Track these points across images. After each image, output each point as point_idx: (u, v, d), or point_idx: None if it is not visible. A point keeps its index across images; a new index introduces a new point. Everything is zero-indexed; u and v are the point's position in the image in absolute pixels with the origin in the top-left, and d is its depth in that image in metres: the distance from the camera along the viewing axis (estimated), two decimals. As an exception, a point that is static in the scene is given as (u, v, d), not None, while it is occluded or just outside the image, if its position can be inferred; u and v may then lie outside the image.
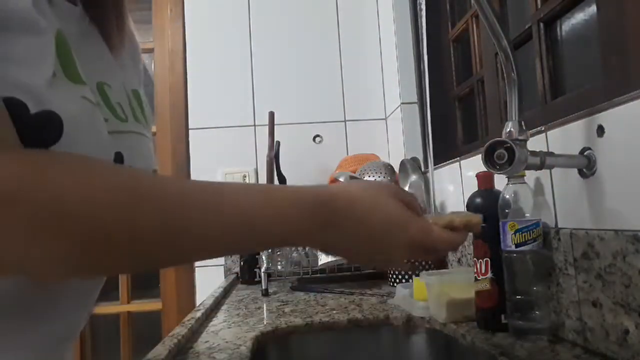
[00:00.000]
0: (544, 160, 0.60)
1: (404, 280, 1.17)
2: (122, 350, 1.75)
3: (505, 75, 0.62)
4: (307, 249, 1.36)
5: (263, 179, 1.55)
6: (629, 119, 0.56)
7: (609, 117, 0.59)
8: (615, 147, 0.58)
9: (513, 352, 0.64)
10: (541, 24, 0.89)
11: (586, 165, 0.62)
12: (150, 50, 1.75)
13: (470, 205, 0.78)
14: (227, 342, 0.79)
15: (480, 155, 0.58)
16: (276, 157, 1.45)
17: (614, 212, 0.58)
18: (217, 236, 0.38)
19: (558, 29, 0.89)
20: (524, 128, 0.60)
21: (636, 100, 0.54)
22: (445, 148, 1.42)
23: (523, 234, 0.67)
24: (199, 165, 1.70)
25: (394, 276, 1.20)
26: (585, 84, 0.80)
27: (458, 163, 1.10)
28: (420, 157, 1.46)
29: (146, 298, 1.82)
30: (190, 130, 1.72)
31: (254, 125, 1.73)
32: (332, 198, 0.44)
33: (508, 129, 0.60)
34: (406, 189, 1.26)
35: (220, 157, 1.70)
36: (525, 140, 0.60)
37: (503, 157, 0.56)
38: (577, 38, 0.85)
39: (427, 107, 1.46)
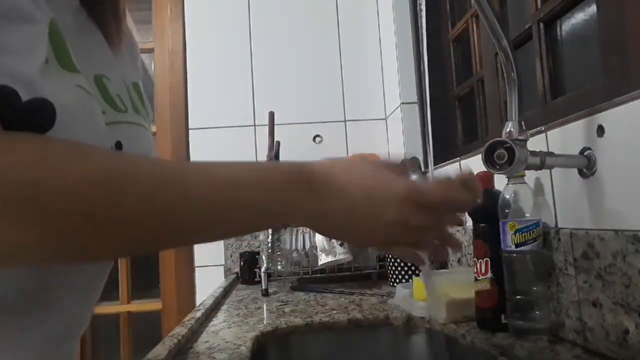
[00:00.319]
0: (544, 160, 0.60)
1: (404, 280, 1.17)
2: (122, 350, 1.75)
3: (505, 75, 0.62)
4: (307, 249, 1.36)
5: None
6: (629, 119, 0.56)
7: (609, 117, 0.59)
8: (615, 147, 0.58)
9: (513, 352, 0.64)
10: (541, 24, 0.89)
11: (586, 165, 0.62)
12: (150, 50, 1.74)
13: (470, 205, 0.78)
14: (227, 342, 0.79)
15: (480, 155, 0.58)
16: (276, 157, 1.45)
17: (614, 212, 0.58)
18: (205, 211, 0.37)
19: (558, 29, 0.89)
20: (524, 128, 0.60)
21: (636, 100, 0.54)
22: (445, 148, 1.42)
23: (523, 234, 0.67)
24: (199, 165, 1.69)
25: (395, 275, 1.20)
26: (585, 84, 0.80)
27: (458, 163, 1.10)
28: (420, 157, 1.46)
29: (146, 298, 1.82)
30: (190, 130, 1.72)
31: (254, 125, 1.73)
32: (307, 166, 0.43)
33: (508, 129, 0.60)
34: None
35: (220, 157, 1.69)
36: (525, 140, 0.60)
37: (503, 157, 0.56)
38: (577, 38, 0.85)
39: (427, 107, 1.46)
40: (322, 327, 0.90)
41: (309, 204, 0.42)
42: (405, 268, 1.17)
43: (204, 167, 0.39)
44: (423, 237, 0.45)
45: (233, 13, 1.77)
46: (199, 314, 0.94)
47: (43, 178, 0.30)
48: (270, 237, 1.32)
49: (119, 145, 0.44)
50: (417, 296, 0.90)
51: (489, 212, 0.72)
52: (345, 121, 1.76)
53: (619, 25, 0.66)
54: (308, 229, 1.36)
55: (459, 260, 1.10)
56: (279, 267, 1.36)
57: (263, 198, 0.40)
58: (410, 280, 1.10)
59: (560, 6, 0.84)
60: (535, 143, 0.72)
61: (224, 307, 1.11)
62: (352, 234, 0.45)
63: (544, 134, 0.73)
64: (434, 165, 1.21)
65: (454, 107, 1.43)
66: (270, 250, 1.31)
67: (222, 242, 1.66)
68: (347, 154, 1.69)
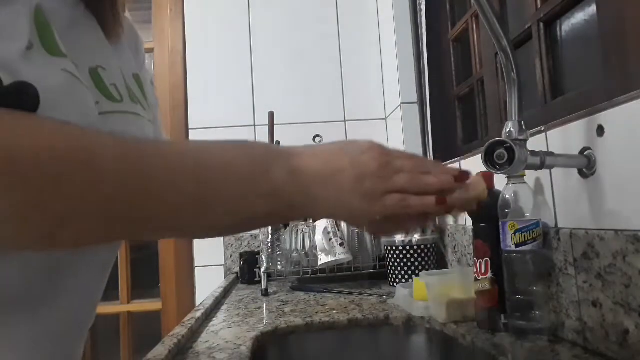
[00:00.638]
0: (544, 160, 0.60)
1: (404, 280, 1.17)
2: (122, 350, 1.75)
3: (505, 75, 0.62)
4: (307, 249, 1.36)
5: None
6: (629, 119, 0.56)
7: (609, 117, 0.59)
8: (615, 147, 0.58)
9: (513, 352, 0.64)
10: (541, 24, 0.89)
11: (586, 165, 0.62)
12: (150, 50, 1.74)
13: (470, 205, 0.78)
14: (227, 342, 0.79)
15: (480, 155, 0.58)
16: (276, 157, 1.45)
17: (614, 212, 0.58)
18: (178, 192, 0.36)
19: (558, 29, 0.89)
20: (524, 128, 0.60)
21: (636, 100, 0.54)
22: (445, 148, 1.42)
23: (523, 234, 0.67)
24: (199, 165, 1.69)
25: (395, 275, 1.20)
26: (585, 84, 0.80)
27: (458, 163, 1.10)
28: (420, 157, 1.46)
29: (146, 298, 1.82)
30: (190, 130, 1.72)
31: (254, 125, 1.73)
32: (275, 146, 0.44)
33: (508, 129, 0.60)
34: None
35: (220, 157, 1.69)
36: (525, 140, 0.60)
37: (503, 157, 0.56)
38: (577, 38, 0.85)
39: (427, 107, 1.46)
40: (322, 327, 0.90)
41: (284, 164, 0.41)
42: (405, 268, 1.18)
43: (171, 148, 0.39)
44: (413, 186, 0.44)
45: (233, 13, 1.77)
46: (199, 314, 0.94)
47: (15, 147, 0.30)
48: (270, 237, 1.32)
49: None
50: (417, 296, 0.90)
51: (489, 212, 0.72)
52: (345, 121, 1.76)
53: (619, 25, 0.66)
54: (308, 229, 1.36)
55: (459, 261, 1.10)
56: (279, 267, 1.36)
57: (238, 169, 0.40)
58: (410, 280, 1.10)
59: (560, 6, 0.84)
60: (535, 143, 0.72)
61: (224, 307, 1.11)
62: (343, 193, 0.43)
63: (544, 134, 0.73)
64: (434, 165, 1.21)
65: (454, 107, 1.43)
66: (270, 250, 1.31)
67: (222, 242, 1.67)
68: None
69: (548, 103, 0.87)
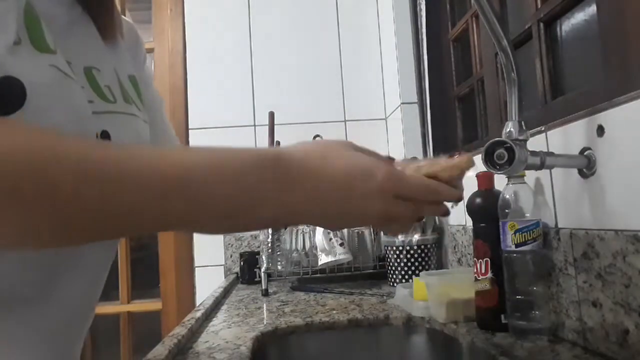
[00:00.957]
0: (544, 160, 0.60)
1: (404, 280, 1.17)
2: (122, 350, 1.75)
3: (505, 75, 0.62)
4: (307, 249, 1.36)
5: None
6: (629, 119, 0.56)
7: (609, 117, 0.59)
8: (615, 147, 0.58)
9: (513, 352, 0.64)
10: (541, 24, 0.89)
11: (586, 165, 0.62)
12: (150, 50, 1.74)
13: (470, 206, 0.78)
14: (227, 342, 0.79)
15: (480, 155, 0.58)
16: (276, 157, 1.45)
17: (614, 212, 0.58)
18: (150, 206, 0.33)
19: (558, 29, 0.89)
20: (524, 128, 0.60)
21: (636, 100, 0.54)
22: (445, 148, 1.42)
23: (523, 234, 0.67)
24: (199, 165, 1.69)
25: (395, 275, 1.20)
26: (585, 84, 0.80)
27: (458, 163, 1.10)
28: (420, 157, 1.46)
29: (146, 298, 1.82)
30: (190, 130, 1.72)
31: (254, 125, 1.73)
32: (277, 155, 0.39)
33: (508, 129, 0.60)
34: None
35: (220, 157, 1.69)
36: (525, 140, 0.60)
37: (503, 157, 0.56)
38: (577, 38, 0.85)
39: (427, 107, 1.46)
40: (322, 327, 0.90)
41: (289, 199, 0.38)
42: (405, 268, 1.18)
43: (145, 152, 0.35)
44: (404, 222, 0.44)
45: (233, 13, 1.77)
46: (199, 314, 0.94)
47: None
48: (270, 237, 1.32)
49: (105, 134, 0.43)
50: (417, 296, 0.90)
51: (489, 212, 0.72)
52: (345, 121, 1.76)
53: (619, 25, 0.66)
54: (308, 229, 1.36)
55: (459, 260, 1.10)
56: (279, 267, 1.36)
57: (222, 187, 0.35)
58: (410, 280, 1.10)
59: (560, 6, 0.84)
60: (535, 143, 0.72)
61: (224, 307, 1.11)
62: (332, 223, 0.43)
63: (544, 134, 0.73)
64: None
65: (454, 107, 1.43)
66: (270, 250, 1.31)
67: (222, 242, 1.67)
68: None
69: (548, 103, 0.87)
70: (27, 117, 0.34)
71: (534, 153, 0.59)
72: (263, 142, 1.60)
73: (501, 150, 0.56)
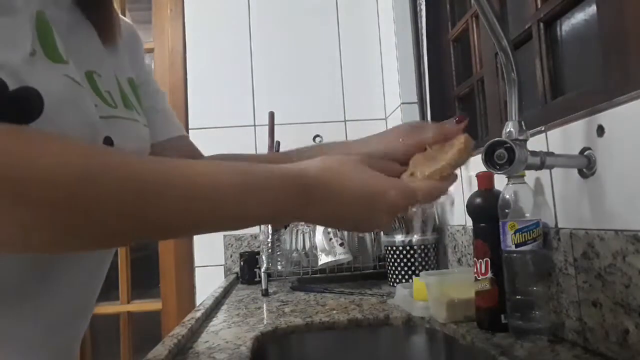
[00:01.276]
0: (544, 160, 0.60)
1: (404, 280, 1.17)
2: (122, 350, 1.75)
3: (505, 75, 0.62)
4: (307, 249, 1.36)
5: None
6: (629, 119, 0.56)
7: (609, 117, 0.59)
8: (615, 147, 0.58)
9: (513, 352, 0.64)
10: (541, 24, 0.89)
11: (586, 165, 0.62)
12: (150, 50, 1.74)
13: (470, 206, 0.78)
14: (227, 342, 0.79)
15: (480, 155, 0.58)
16: (276, 157, 1.45)
17: (614, 212, 0.58)
18: (183, 215, 0.36)
19: (558, 29, 0.89)
20: (524, 128, 0.60)
21: (636, 100, 0.54)
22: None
23: (523, 234, 0.67)
24: (199, 165, 1.69)
25: (395, 275, 1.20)
26: (585, 84, 0.80)
27: (458, 163, 1.10)
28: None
29: (146, 298, 1.82)
30: (190, 130, 1.72)
31: (254, 125, 1.73)
32: (302, 176, 0.43)
33: (508, 129, 0.60)
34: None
35: (220, 157, 1.70)
36: (525, 140, 0.60)
37: (503, 157, 0.56)
38: (577, 38, 0.85)
39: (427, 107, 1.46)
40: (322, 327, 0.90)
41: (310, 214, 0.43)
42: (405, 268, 1.17)
43: (187, 168, 0.37)
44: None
45: (233, 13, 1.77)
46: (199, 314, 0.94)
47: (17, 167, 0.29)
48: (270, 237, 1.32)
49: (108, 140, 0.44)
50: (417, 296, 0.90)
51: (489, 212, 0.72)
52: (345, 121, 1.76)
53: (619, 25, 0.66)
54: (308, 229, 1.36)
55: (459, 260, 1.10)
56: (279, 267, 1.36)
57: (249, 207, 0.39)
58: (410, 280, 1.10)
59: (560, 6, 0.84)
60: (535, 143, 0.72)
61: (224, 307, 1.11)
62: (345, 228, 0.50)
63: (544, 134, 0.73)
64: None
65: (454, 107, 1.43)
66: (270, 250, 1.31)
67: (222, 242, 1.67)
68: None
69: (548, 103, 0.87)
70: (43, 125, 0.35)
71: (534, 153, 0.59)
72: (263, 142, 1.60)
73: (501, 150, 0.56)
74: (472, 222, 0.79)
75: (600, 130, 0.60)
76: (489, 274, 0.73)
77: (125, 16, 0.62)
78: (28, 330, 0.43)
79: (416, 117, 1.53)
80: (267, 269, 1.28)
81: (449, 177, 0.50)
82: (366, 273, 1.38)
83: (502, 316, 0.72)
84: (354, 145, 0.62)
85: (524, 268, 0.68)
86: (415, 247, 1.17)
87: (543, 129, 0.73)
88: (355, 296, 1.13)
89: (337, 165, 0.45)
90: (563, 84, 0.87)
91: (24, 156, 0.30)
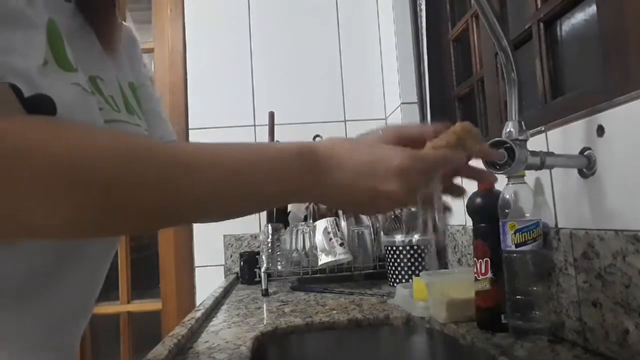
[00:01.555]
0: (544, 160, 0.60)
1: (404, 280, 1.17)
2: (122, 350, 1.75)
3: (505, 75, 0.62)
4: (307, 249, 1.36)
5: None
6: (629, 119, 0.56)
7: (609, 117, 0.59)
8: (615, 147, 0.58)
9: (513, 352, 0.64)
10: (541, 24, 0.89)
11: (586, 165, 0.62)
12: (150, 50, 1.74)
13: (470, 206, 0.78)
14: (227, 342, 0.79)
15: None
16: (276, 157, 1.44)
17: (614, 212, 0.58)
18: (210, 190, 0.38)
19: (558, 29, 0.89)
20: (524, 128, 0.60)
21: (636, 100, 0.54)
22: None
23: (523, 234, 0.67)
24: (199, 165, 1.69)
25: (395, 275, 1.20)
26: (585, 84, 0.80)
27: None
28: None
29: (146, 298, 1.82)
30: (190, 130, 1.72)
31: (254, 125, 1.73)
32: (312, 148, 0.45)
33: (508, 129, 0.60)
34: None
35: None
36: (525, 140, 0.60)
37: (503, 157, 0.56)
38: (577, 38, 0.85)
39: (427, 107, 1.46)
40: (322, 327, 0.90)
41: (319, 184, 0.44)
42: (405, 268, 1.17)
43: (211, 149, 0.40)
44: (419, 191, 0.47)
45: (233, 13, 1.77)
46: (199, 314, 0.94)
47: (67, 152, 0.31)
48: (270, 237, 1.32)
49: None
50: (417, 296, 0.90)
51: (489, 212, 0.72)
52: (345, 121, 1.76)
53: (619, 25, 0.66)
54: (308, 229, 1.36)
55: (459, 261, 1.10)
56: (279, 267, 1.36)
57: (266, 180, 0.41)
58: (410, 280, 1.10)
59: (560, 6, 0.84)
60: (535, 143, 0.72)
61: (224, 307, 1.11)
62: (359, 205, 0.47)
63: (544, 134, 0.73)
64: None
65: (454, 107, 1.43)
66: (270, 250, 1.31)
67: (222, 242, 1.67)
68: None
69: (548, 103, 0.87)
70: None
71: (534, 153, 0.59)
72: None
73: (501, 150, 0.56)
74: (472, 222, 0.79)
75: (600, 130, 0.60)
76: (489, 274, 0.73)
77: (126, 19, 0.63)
78: (28, 330, 0.43)
79: (416, 117, 1.53)
80: (267, 269, 1.28)
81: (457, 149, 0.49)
82: (366, 273, 1.38)
83: (502, 316, 0.72)
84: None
85: (524, 268, 0.68)
86: (415, 247, 1.17)
87: (543, 129, 0.73)
88: (355, 296, 1.13)
89: (346, 140, 0.47)
90: (563, 84, 0.87)
91: (72, 143, 0.32)
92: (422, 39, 1.47)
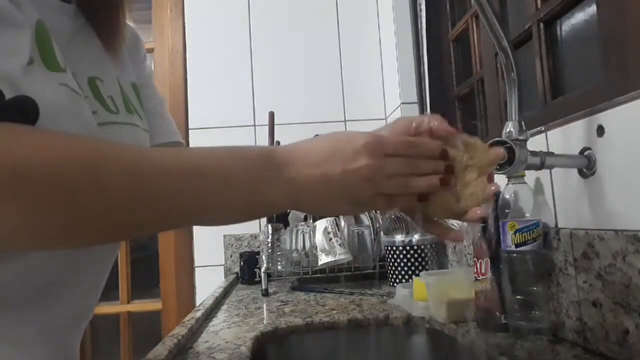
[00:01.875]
0: (544, 160, 0.60)
1: (404, 280, 1.17)
2: (122, 350, 1.75)
3: (505, 75, 0.62)
4: (307, 249, 1.36)
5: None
6: (629, 119, 0.56)
7: (609, 117, 0.59)
8: (615, 147, 0.58)
9: (513, 352, 0.64)
10: (541, 24, 0.89)
11: (586, 165, 0.62)
12: (150, 50, 1.74)
13: (470, 205, 0.78)
14: (227, 342, 0.79)
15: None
16: (276, 157, 1.44)
17: (614, 212, 0.58)
18: (175, 193, 0.37)
19: (558, 29, 0.89)
20: (524, 128, 0.60)
21: (636, 100, 0.54)
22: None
23: (523, 234, 0.67)
24: (199, 165, 1.69)
25: (395, 275, 1.20)
26: (585, 84, 0.80)
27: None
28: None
29: (146, 298, 1.83)
30: (190, 130, 1.72)
31: (254, 125, 1.73)
32: (271, 149, 0.43)
33: (508, 129, 0.60)
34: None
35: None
36: (525, 140, 0.60)
37: (503, 157, 0.56)
38: (577, 38, 0.85)
39: (427, 107, 1.46)
40: (322, 327, 0.90)
41: (275, 177, 0.41)
42: (405, 268, 1.17)
43: (169, 155, 0.39)
44: (407, 184, 0.44)
45: (233, 13, 1.77)
46: (199, 314, 0.94)
47: (27, 160, 0.31)
48: (270, 237, 1.32)
49: None
50: (417, 296, 0.90)
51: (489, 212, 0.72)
52: (345, 121, 1.76)
53: (619, 25, 0.66)
54: (308, 229, 1.36)
55: (459, 261, 1.10)
56: (279, 267, 1.36)
57: (224, 184, 0.40)
58: (410, 280, 1.10)
59: (560, 6, 0.84)
60: (535, 143, 0.72)
61: (224, 307, 1.11)
62: (331, 199, 0.43)
63: (544, 134, 0.73)
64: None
65: (454, 107, 1.43)
66: (270, 250, 1.31)
67: (222, 242, 1.67)
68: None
69: (548, 103, 0.87)
70: None
71: (534, 153, 0.59)
72: (263, 142, 1.60)
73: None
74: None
75: (600, 130, 0.60)
76: (489, 274, 0.73)
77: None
78: (29, 332, 0.43)
79: (416, 117, 1.52)
80: (267, 269, 1.27)
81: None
82: (366, 273, 1.38)
83: (502, 316, 0.72)
84: None
85: (524, 268, 0.68)
86: (415, 247, 1.17)
87: (543, 129, 0.73)
88: (355, 296, 1.13)
89: (306, 139, 0.45)
90: (563, 84, 0.87)
91: (25, 150, 0.31)
92: (422, 39, 1.47)
